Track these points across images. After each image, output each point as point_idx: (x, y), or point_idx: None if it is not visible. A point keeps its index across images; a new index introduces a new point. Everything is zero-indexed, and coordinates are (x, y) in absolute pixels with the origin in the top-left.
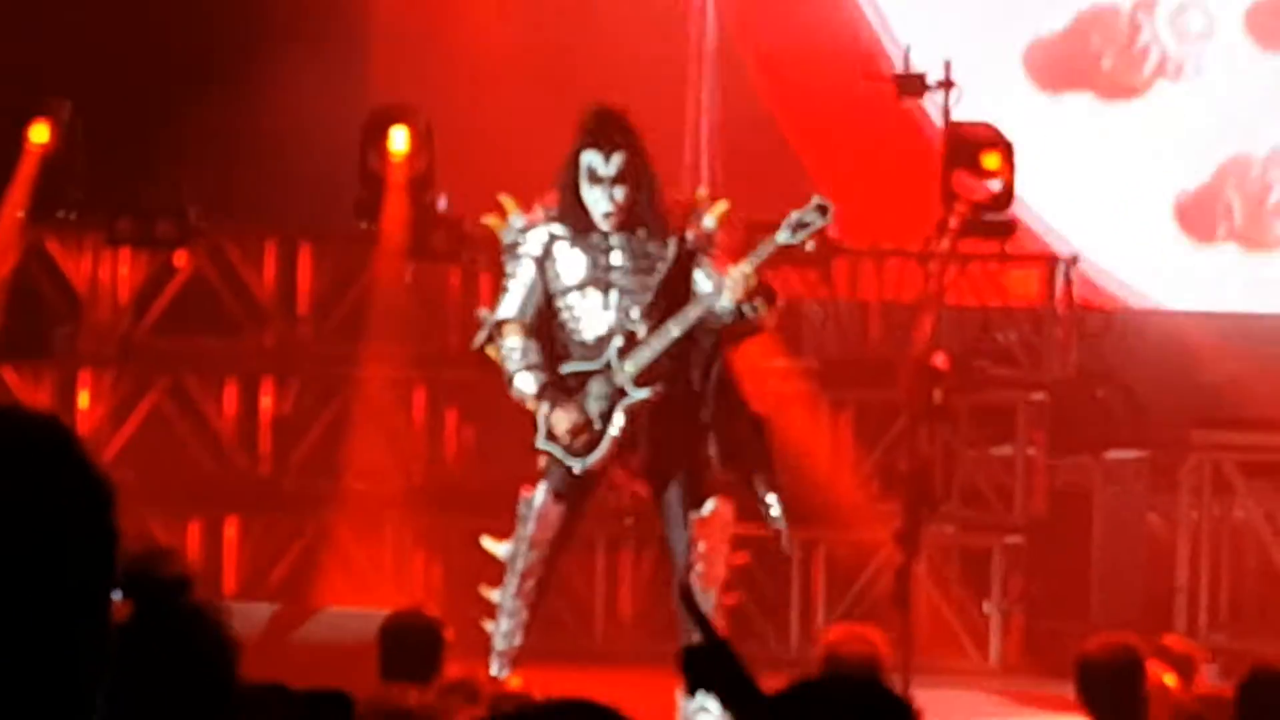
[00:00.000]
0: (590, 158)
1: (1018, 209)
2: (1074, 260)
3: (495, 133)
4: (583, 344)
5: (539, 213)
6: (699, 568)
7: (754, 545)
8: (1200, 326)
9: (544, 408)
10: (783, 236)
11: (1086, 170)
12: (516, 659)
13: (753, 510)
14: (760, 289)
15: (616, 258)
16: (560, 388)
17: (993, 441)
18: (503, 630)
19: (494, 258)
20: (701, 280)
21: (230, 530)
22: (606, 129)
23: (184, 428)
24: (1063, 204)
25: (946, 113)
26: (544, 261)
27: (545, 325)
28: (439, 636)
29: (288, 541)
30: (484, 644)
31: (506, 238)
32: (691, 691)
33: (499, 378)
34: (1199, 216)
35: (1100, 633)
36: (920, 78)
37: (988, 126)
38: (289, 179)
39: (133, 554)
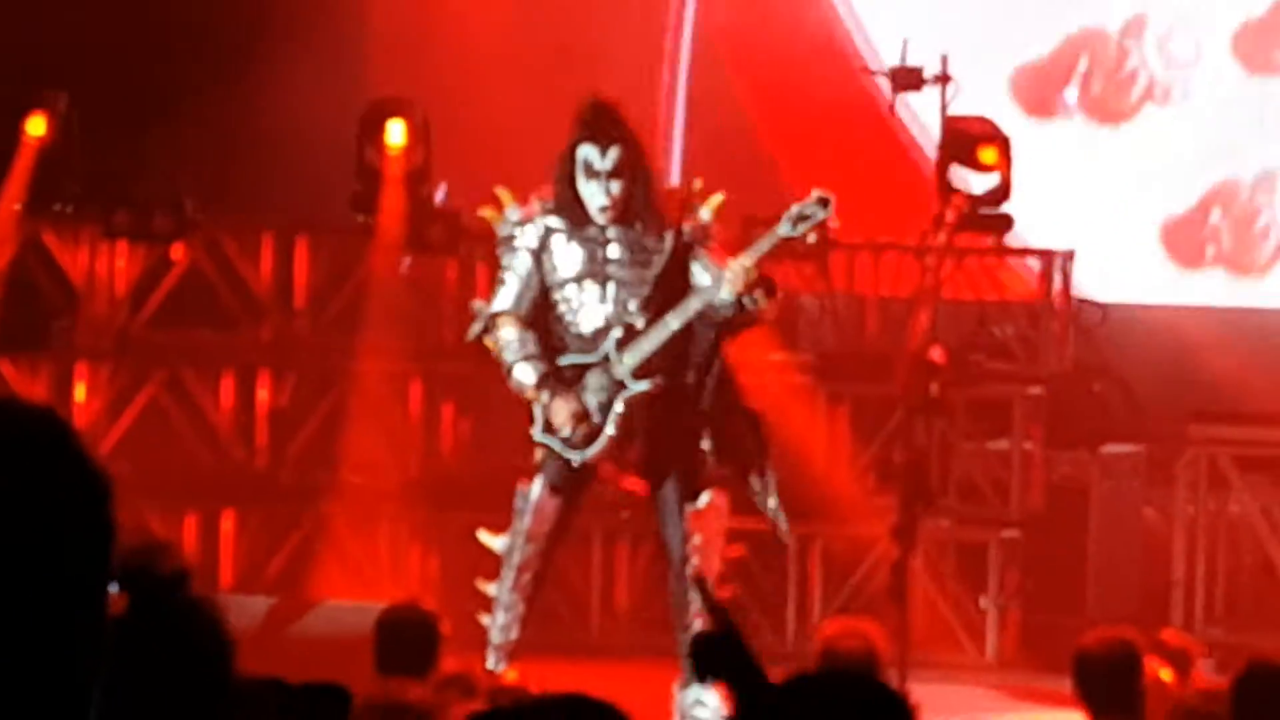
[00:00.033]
0: (586, 151)
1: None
2: (1070, 255)
3: (492, 126)
4: (580, 336)
5: (535, 205)
6: (694, 560)
7: (750, 539)
8: (1197, 321)
9: (544, 397)
10: (784, 229)
11: (1073, 195)
12: (513, 653)
13: (748, 504)
14: (760, 281)
15: (614, 250)
16: (559, 378)
17: (989, 436)
18: (499, 624)
19: (491, 251)
20: (699, 273)
21: (227, 523)
22: (602, 122)
23: (181, 421)
24: (1049, 228)
25: (943, 107)
26: (540, 254)
27: (541, 318)
28: (435, 630)
29: (284, 534)
30: (480, 638)
31: (502, 230)
32: (701, 678)
33: (496, 371)
34: (1186, 241)
35: (1097, 627)
36: (917, 71)
37: (984, 121)
38: (286, 172)
39: (129, 548)
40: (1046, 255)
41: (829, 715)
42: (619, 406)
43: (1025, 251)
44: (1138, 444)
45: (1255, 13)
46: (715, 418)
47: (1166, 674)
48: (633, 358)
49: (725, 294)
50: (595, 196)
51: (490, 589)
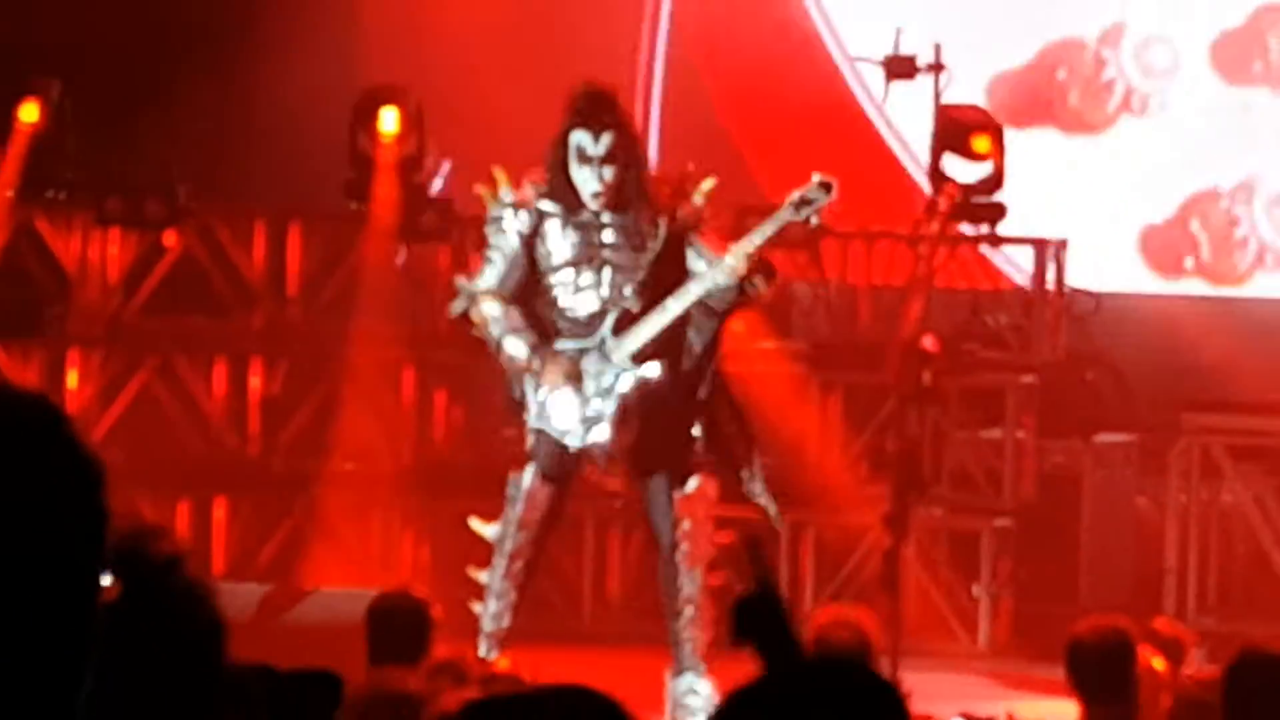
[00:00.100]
0: (579, 137)
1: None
2: (1063, 244)
3: (485, 114)
4: (574, 321)
5: (529, 190)
6: (684, 547)
7: (742, 527)
8: (1189, 310)
9: (536, 364)
10: (787, 213)
11: (1051, 205)
12: (505, 640)
13: (739, 492)
14: (761, 266)
15: (608, 235)
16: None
17: (982, 424)
18: (491, 611)
19: (483, 235)
20: (695, 259)
21: (219, 510)
22: (596, 108)
23: (173, 408)
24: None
25: (936, 95)
26: (533, 240)
27: (530, 302)
28: (427, 617)
29: (276, 521)
30: (472, 625)
31: (493, 210)
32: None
33: (489, 359)
34: (1165, 251)
35: (1090, 616)
36: (910, 60)
37: (978, 109)
38: (278, 159)
39: (122, 533)
40: (1039, 244)
41: (820, 703)
42: (619, 392)
43: (1018, 240)
44: (1131, 433)
45: (1233, 23)
46: (708, 406)
47: (1159, 663)
48: (631, 343)
49: (728, 278)
50: (588, 182)
51: (482, 576)
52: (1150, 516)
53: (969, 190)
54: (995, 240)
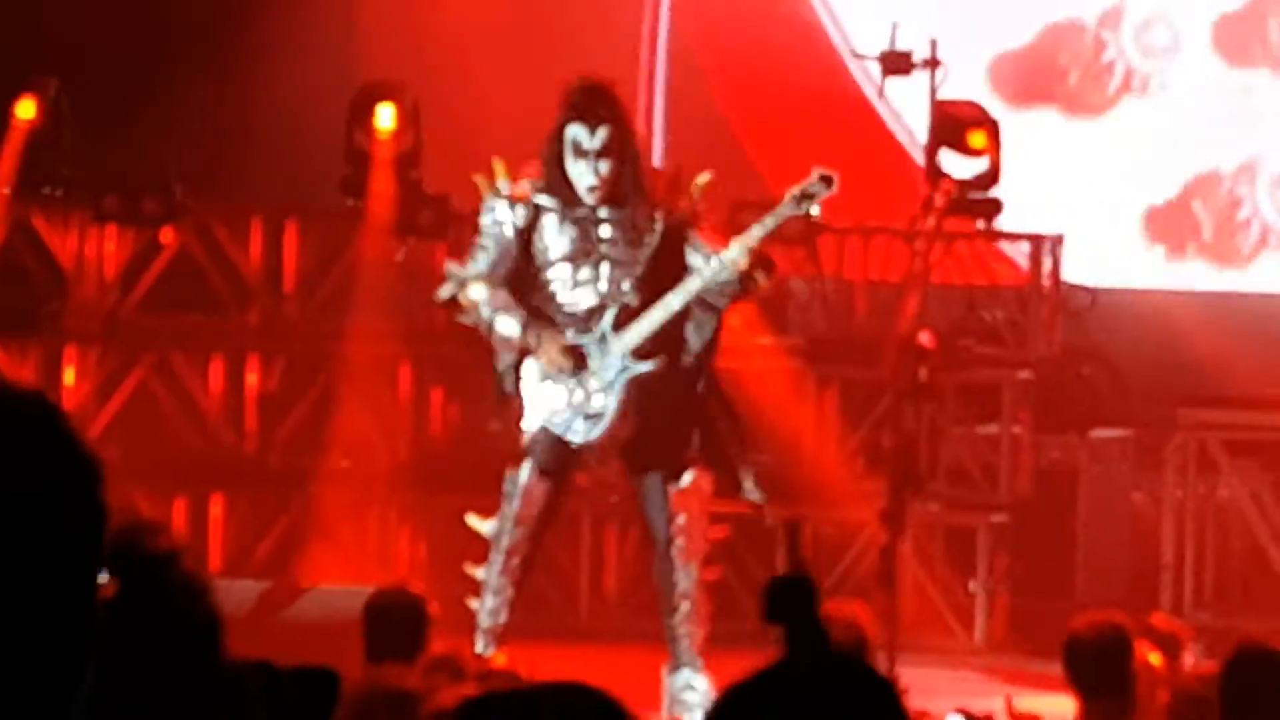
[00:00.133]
0: (575, 131)
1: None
2: (1059, 239)
3: (482, 110)
4: (573, 316)
5: (525, 185)
6: (679, 542)
7: (738, 523)
8: (1185, 305)
9: (532, 339)
10: (788, 207)
11: (1053, 188)
12: (502, 636)
13: (731, 487)
14: (761, 260)
15: (605, 230)
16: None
17: (978, 420)
18: (488, 608)
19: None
20: (694, 253)
21: (216, 507)
22: (591, 102)
23: (170, 404)
24: (1029, 219)
25: (932, 91)
26: (530, 234)
27: (525, 295)
28: (424, 613)
29: (273, 518)
30: (469, 622)
31: (487, 200)
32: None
33: (486, 356)
34: (1167, 233)
35: (1086, 611)
36: (906, 55)
37: (973, 105)
38: (275, 156)
39: (119, 529)
40: (1035, 239)
41: (817, 699)
42: (620, 387)
43: (1014, 236)
44: (1127, 428)
45: (1234, 4)
46: (702, 400)
47: (1155, 658)
48: (632, 338)
49: (729, 273)
50: (584, 176)
51: (479, 573)
52: (1146, 512)
53: (965, 186)
54: (991, 236)
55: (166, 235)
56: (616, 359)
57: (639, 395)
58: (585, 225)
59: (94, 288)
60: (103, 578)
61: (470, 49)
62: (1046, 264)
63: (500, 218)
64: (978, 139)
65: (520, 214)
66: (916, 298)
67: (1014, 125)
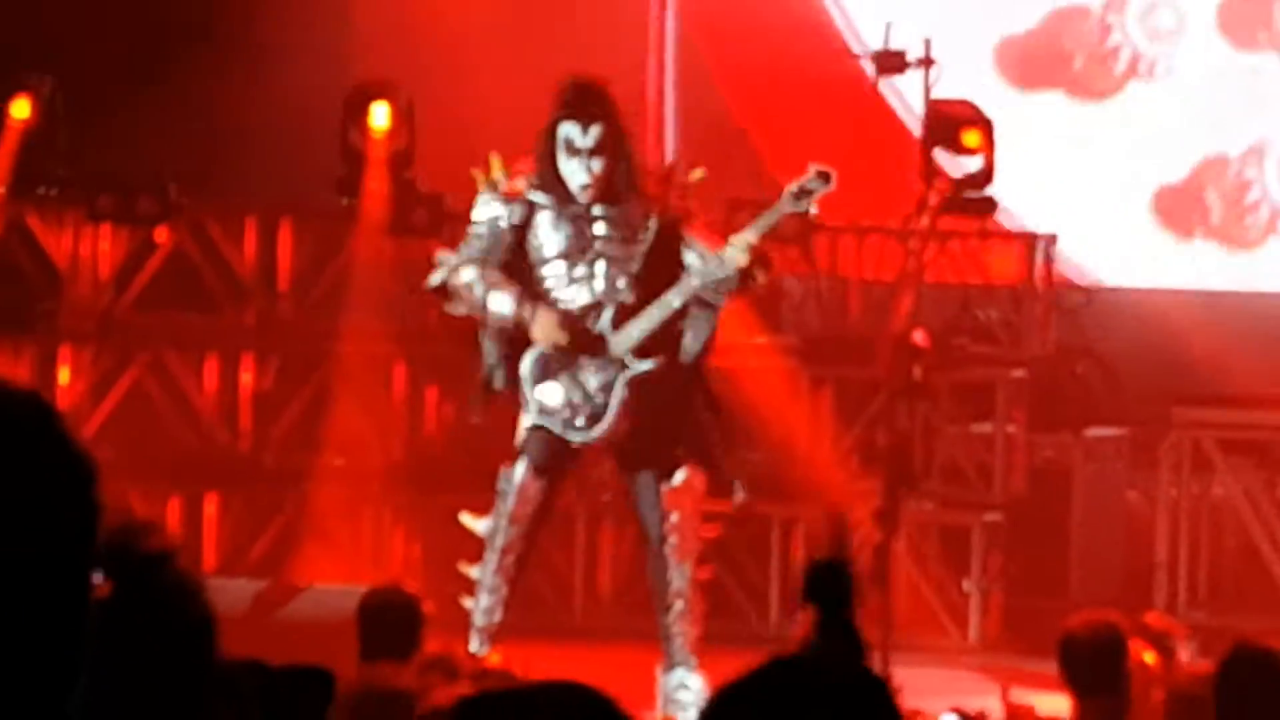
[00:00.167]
0: (568, 129)
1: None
2: (1053, 238)
3: (477, 109)
4: (568, 314)
5: (521, 182)
6: (672, 540)
7: (733, 521)
8: (1180, 304)
9: (527, 312)
10: (787, 204)
11: (1060, 172)
12: (496, 635)
13: (715, 486)
14: (759, 257)
15: (599, 228)
16: (552, 358)
17: (972, 419)
18: (482, 606)
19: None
20: (690, 251)
21: (210, 506)
22: (584, 100)
23: (164, 403)
24: (1034, 210)
25: (926, 90)
26: (524, 231)
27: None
28: (418, 612)
29: (268, 517)
30: (463, 620)
31: (482, 194)
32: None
33: (476, 353)
34: (1176, 216)
35: (1081, 610)
36: (900, 54)
37: (967, 104)
38: (270, 155)
39: (112, 528)
40: (1030, 238)
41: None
42: (622, 387)
43: (1009, 235)
44: (1121, 427)
45: None
46: (692, 398)
47: (1150, 657)
48: (632, 336)
49: (730, 271)
50: (576, 174)
51: (473, 572)
52: (1141, 510)
53: (959, 185)
54: (986, 235)
55: (161, 234)
56: (616, 359)
57: (638, 394)
58: (580, 222)
59: (89, 287)
60: (97, 577)
61: (465, 48)
62: (1040, 262)
63: (495, 212)
64: (972, 138)
65: (515, 211)
66: (911, 297)
67: (1020, 110)
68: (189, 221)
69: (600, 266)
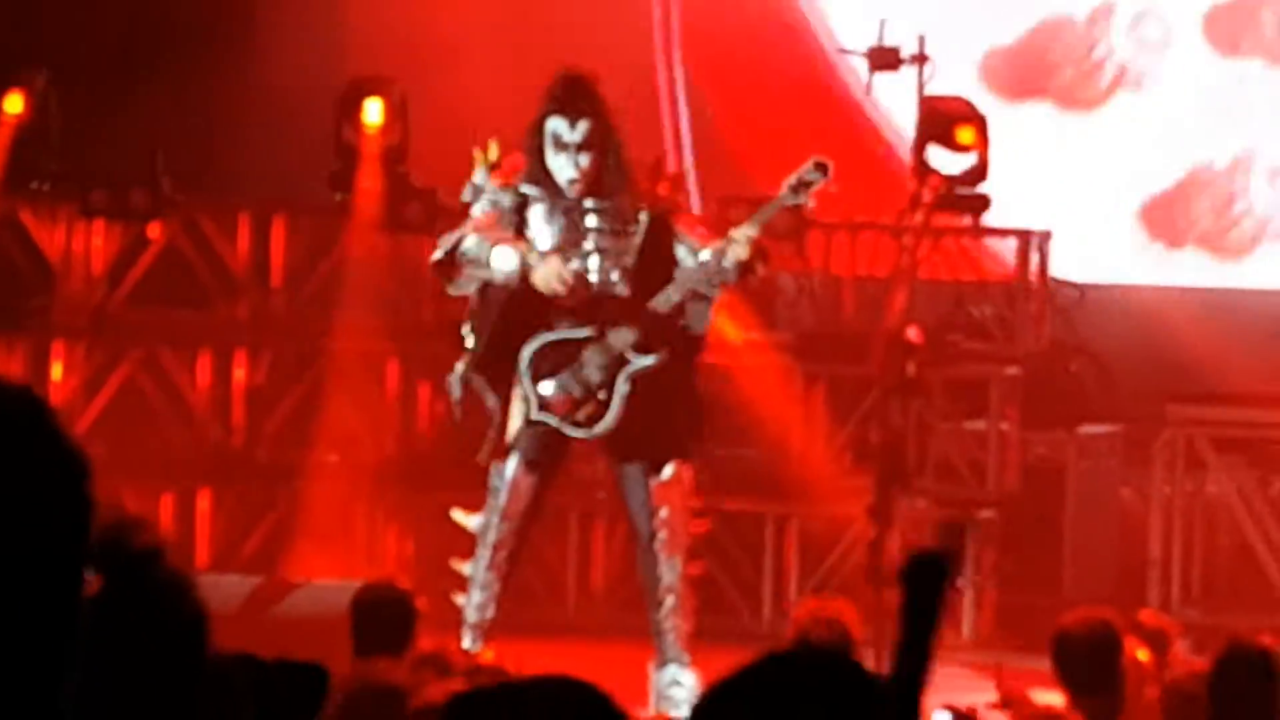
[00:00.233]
0: (555, 124)
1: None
2: (1047, 235)
3: (470, 105)
4: (564, 309)
5: (515, 178)
6: (662, 535)
7: (727, 519)
8: (1174, 301)
9: (533, 258)
10: (786, 197)
11: (1048, 184)
12: (489, 632)
13: (719, 482)
14: (759, 250)
15: (592, 220)
16: (558, 351)
17: (966, 415)
18: (475, 603)
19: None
20: (682, 245)
21: (203, 502)
22: (572, 95)
23: (157, 399)
24: (1023, 214)
25: (920, 87)
26: (520, 219)
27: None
28: (411, 608)
29: (260, 513)
30: (456, 617)
31: (477, 177)
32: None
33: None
34: (1163, 227)
35: (1075, 608)
36: (894, 51)
37: (961, 100)
38: (263, 151)
39: (103, 525)
40: (1023, 235)
41: (802, 695)
42: (624, 382)
43: (1002, 231)
44: (1115, 424)
45: None
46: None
47: (1144, 654)
48: (632, 331)
49: (731, 264)
50: (564, 169)
51: (465, 568)
52: (1134, 508)
53: (953, 181)
54: (979, 232)
55: (154, 230)
56: (617, 354)
57: (635, 389)
58: (572, 215)
59: (81, 282)
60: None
61: (459, 44)
62: (1034, 259)
63: (492, 196)
64: (966, 134)
65: (508, 197)
66: (904, 293)
67: (1007, 121)
68: (182, 217)
69: (594, 260)
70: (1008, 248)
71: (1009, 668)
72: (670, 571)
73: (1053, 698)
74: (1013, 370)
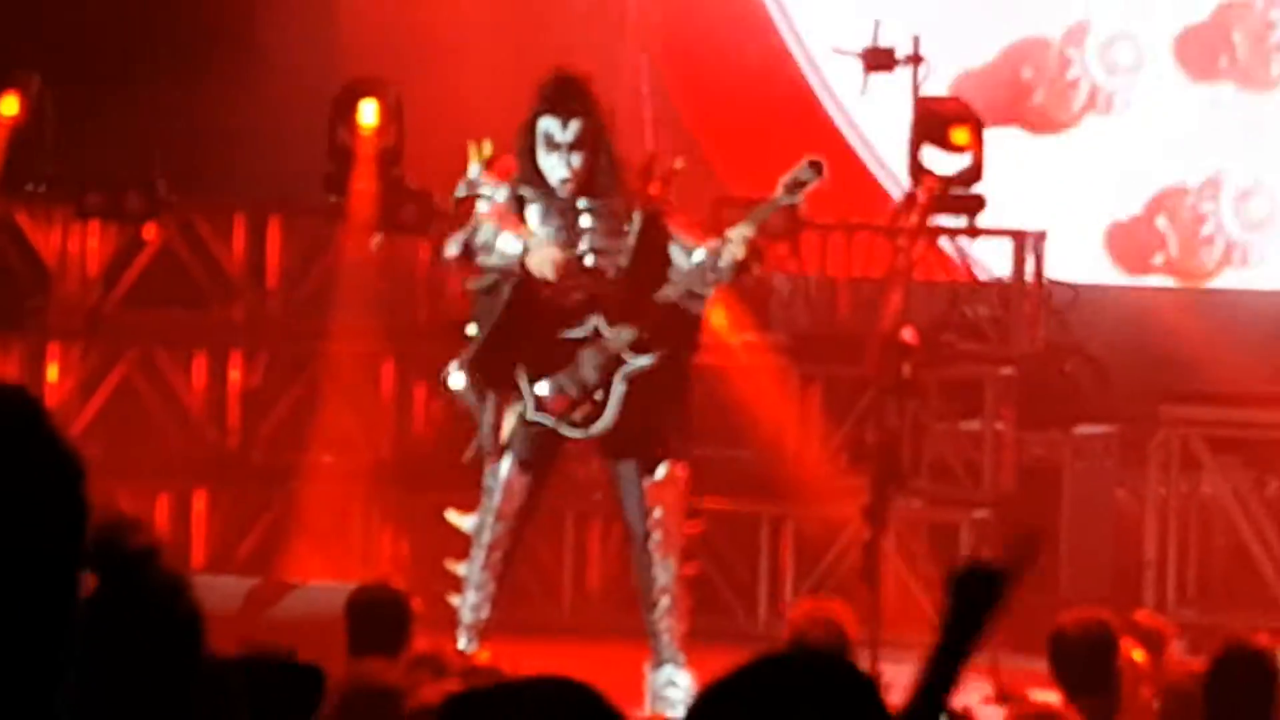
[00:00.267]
0: (547, 124)
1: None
2: (1042, 236)
3: (465, 106)
4: (561, 309)
5: (508, 180)
6: (656, 535)
7: (722, 519)
8: (1169, 302)
9: (533, 241)
10: (782, 196)
11: (1019, 205)
12: (484, 632)
13: (715, 483)
14: (755, 250)
15: (586, 220)
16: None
17: (961, 416)
18: (470, 603)
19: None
20: (675, 245)
21: (199, 503)
22: (564, 95)
23: (153, 400)
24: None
25: (915, 88)
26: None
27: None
28: (406, 609)
29: (256, 515)
30: (451, 618)
31: (472, 171)
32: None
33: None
34: (1132, 249)
35: (1070, 608)
36: (889, 52)
37: (957, 101)
38: (258, 153)
39: (98, 526)
40: (1018, 236)
41: (797, 696)
42: (621, 382)
43: (997, 232)
44: (1110, 425)
45: (1197, 18)
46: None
47: (1139, 655)
48: (629, 332)
49: (727, 264)
50: (556, 169)
51: (460, 569)
52: (1130, 508)
53: (948, 182)
54: (974, 232)
55: (149, 231)
56: (614, 354)
57: (631, 389)
58: (568, 215)
59: (77, 284)
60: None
61: (453, 45)
62: (1029, 260)
63: (489, 192)
64: (961, 135)
65: (505, 193)
66: (899, 294)
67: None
68: (177, 219)
69: (589, 260)
70: (1002, 250)
71: (1005, 667)
72: (665, 572)
73: (1049, 696)
74: (1008, 371)
